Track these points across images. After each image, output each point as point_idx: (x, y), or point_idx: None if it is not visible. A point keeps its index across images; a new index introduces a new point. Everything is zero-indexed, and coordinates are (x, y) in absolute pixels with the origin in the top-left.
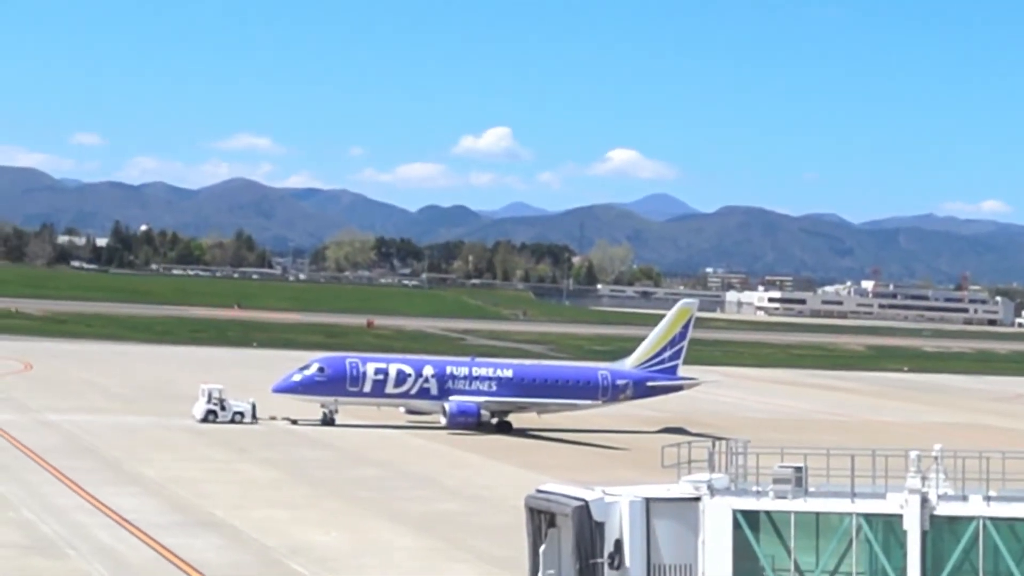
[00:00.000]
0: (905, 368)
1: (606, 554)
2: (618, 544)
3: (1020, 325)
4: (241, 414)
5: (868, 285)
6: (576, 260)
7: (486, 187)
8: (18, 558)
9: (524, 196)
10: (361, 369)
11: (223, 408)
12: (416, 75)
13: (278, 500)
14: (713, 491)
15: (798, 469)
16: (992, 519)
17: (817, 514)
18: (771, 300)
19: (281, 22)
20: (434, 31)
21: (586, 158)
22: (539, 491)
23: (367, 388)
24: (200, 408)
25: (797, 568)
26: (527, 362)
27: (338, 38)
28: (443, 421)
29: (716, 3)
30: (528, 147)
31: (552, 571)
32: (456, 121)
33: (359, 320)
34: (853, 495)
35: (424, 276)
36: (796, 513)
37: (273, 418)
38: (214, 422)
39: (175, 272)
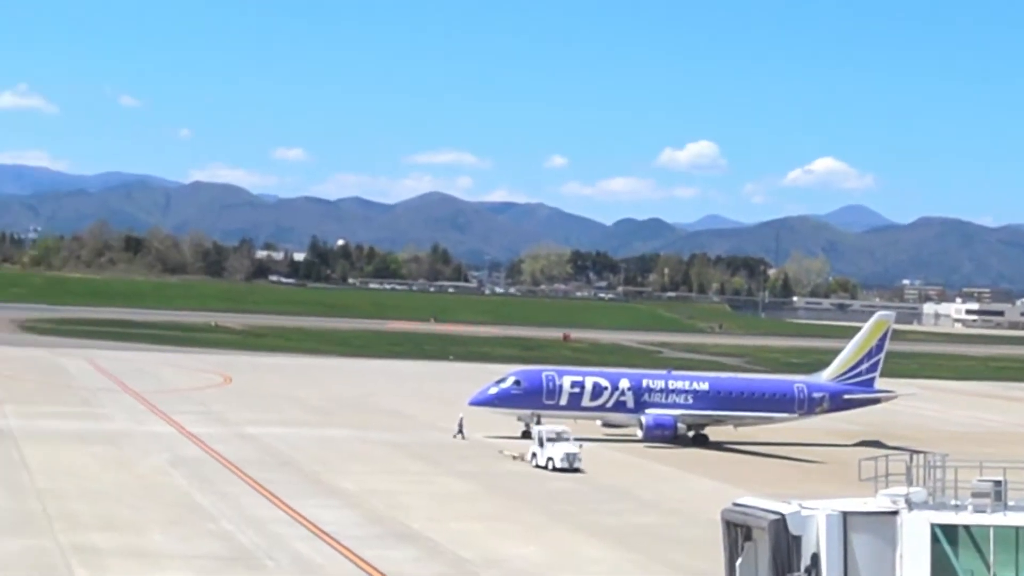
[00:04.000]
0: None
1: (803, 568)
2: (815, 558)
3: None
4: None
5: None
6: (772, 272)
7: (681, 200)
8: (218, 570)
9: (719, 208)
10: (557, 382)
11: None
12: (619, 88)
13: (474, 512)
14: (911, 505)
15: (997, 483)
16: None
17: (1017, 528)
18: (969, 312)
19: (485, 35)
20: (636, 44)
21: (781, 170)
22: (735, 504)
23: (563, 401)
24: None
25: None
26: (723, 375)
27: (544, 52)
28: (639, 434)
29: (918, 13)
30: (725, 159)
31: None
32: (659, 134)
33: (555, 333)
34: None
35: (620, 289)
36: (995, 527)
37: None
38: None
39: (371, 286)
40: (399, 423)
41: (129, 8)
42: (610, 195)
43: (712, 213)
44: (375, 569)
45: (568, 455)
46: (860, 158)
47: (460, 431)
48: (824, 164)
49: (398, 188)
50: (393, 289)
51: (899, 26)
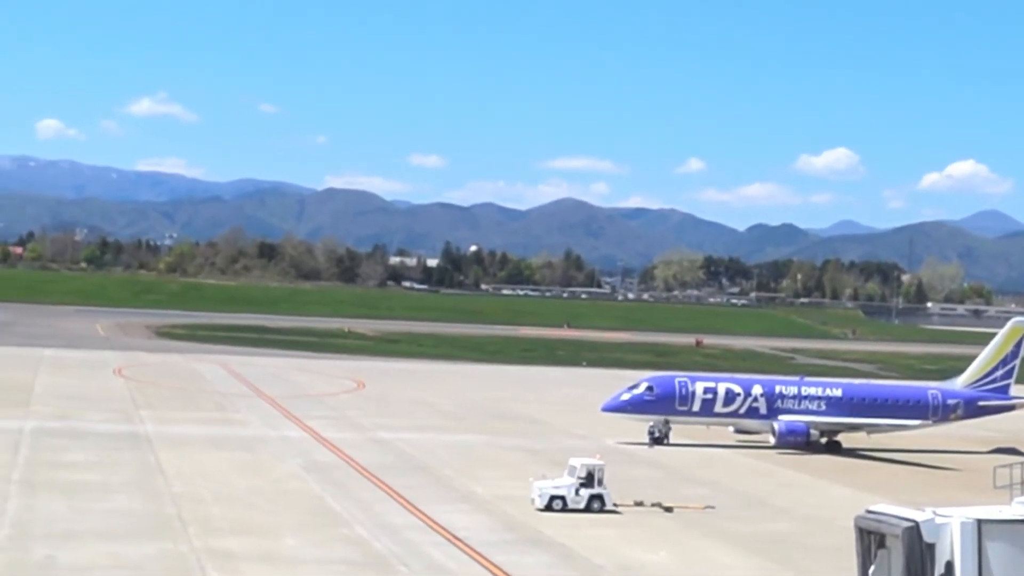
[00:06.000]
0: None
1: (937, 575)
2: (949, 566)
3: None
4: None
5: None
6: (905, 278)
7: (816, 205)
8: (351, 574)
9: (853, 213)
10: (690, 388)
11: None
12: (757, 93)
13: (606, 519)
14: None
15: None
16: None
17: None
18: None
19: (620, 42)
20: (774, 50)
21: (917, 175)
22: (869, 511)
23: (696, 407)
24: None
25: None
26: (856, 381)
27: (680, 58)
28: (772, 440)
29: None
30: (861, 165)
31: None
32: (796, 139)
33: (687, 339)
34: None
35: (752, 295)
36: None
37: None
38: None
39: (504, 292)
40: (532, 429)
41: (268, 16)
42: (743, 200)
43: (846, 218)
44: (508, 575)
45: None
46: (998, 162)
47: (658, 439)
48: (961, 168)
49: (532, 194)
50: (526, 295)
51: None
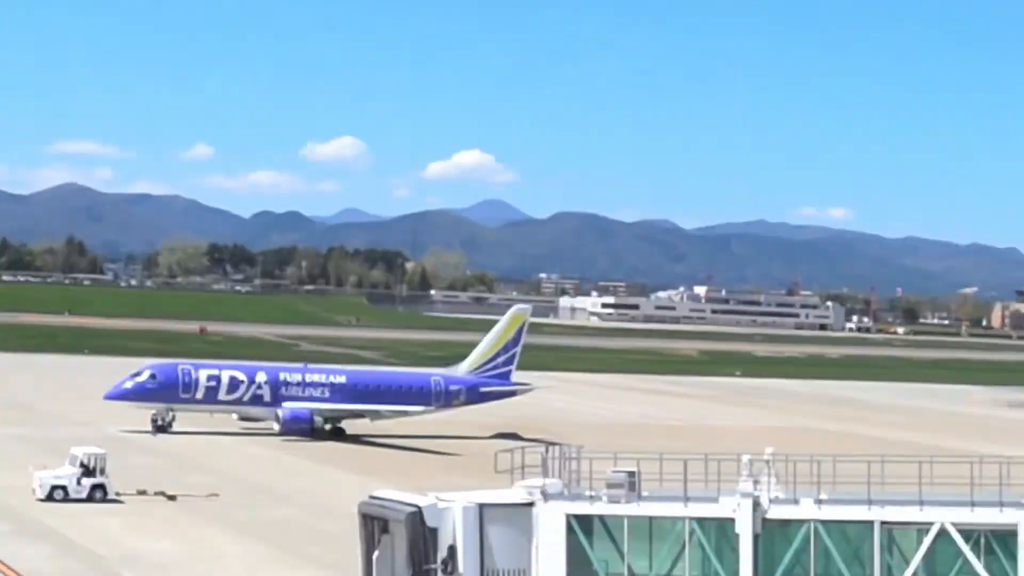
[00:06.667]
0: (737, 373)
1: (440, 560)
2: (452, 550)
3: (850, 329)
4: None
5: (701, 291)
6: (409, 266)
7: (321, 193)
8: None
9: (358, 202)
10: (194, 376)
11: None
12: (263, 80)
13: (109, 508)
14: (547, 496)
15: (631, 474)
16: (823, 522)
17: (650, 518)
18: (604, 305)
19: (137, 25)
20: (321, 31)
21: (421, 164)
22: (372, 497)
23: (200, 395)
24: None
25: (631, 572)
26: (360, 368)
27: (183, 41)
28: (276, 428)
29: (552, 10)
30: (369, 153)
31: None
32: (304, 127)
33: (192, 326)
34: (686, 499)
35: (257, 282)
36: (629, 517)
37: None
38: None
39: (5, 278)
40: (33, 418)
41: None
42: (249, 187)
43: (351, 206)
44: (10, 568)
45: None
46: (504, 153)
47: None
48: (467, 158)
49: (34, 178)
50: (27, 281)
51: (535, 19)
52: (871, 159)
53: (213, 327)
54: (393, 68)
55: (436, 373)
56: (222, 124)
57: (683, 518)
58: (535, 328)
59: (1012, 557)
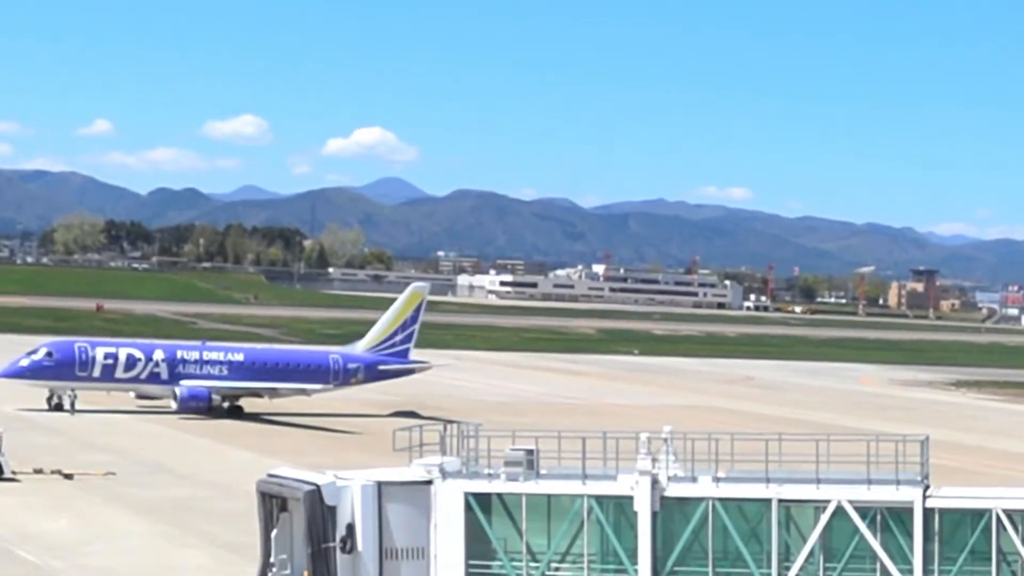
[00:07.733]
0: (636, 351)
1: (338, 538)
2: (350, 528)
3: (748, 308)
4: None
5: (599, 269)
6: (307, 244)
7: (219, 170)
8: None
9: (256, 179)
10: (90, 353)
11: None
12: (163, 56)
13: (5, 487)
14: (445, 474)
15: (530, 452)
16: (721, 500)
17: (549, 496)
18: (503, 284)
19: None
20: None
21: (321, 141)
22: (270, 475)
23: (96, 373)
24: None
25: (529, 550)
26: (258, 346)
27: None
28: (174, 406)
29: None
30: (267, 132)
31: (284, 556)
32: (205, 105)
33: (88, 304)
34: (584, 477)
35: (155, 259)
36: (528, 495)
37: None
38: None
39: None
40: None
41: None
42: (147, 164)
43: (249, 183)
44: None
45: None
46: (405, 130)
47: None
48: (367, 135)
49: None
50: None
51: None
52: (769, 139)
53: (110, 305)
54: (295, 46)
55: (334, 351)
56: (122, 100)
57: (581, 496)
58: (433, 306)
59: (908, 534)
